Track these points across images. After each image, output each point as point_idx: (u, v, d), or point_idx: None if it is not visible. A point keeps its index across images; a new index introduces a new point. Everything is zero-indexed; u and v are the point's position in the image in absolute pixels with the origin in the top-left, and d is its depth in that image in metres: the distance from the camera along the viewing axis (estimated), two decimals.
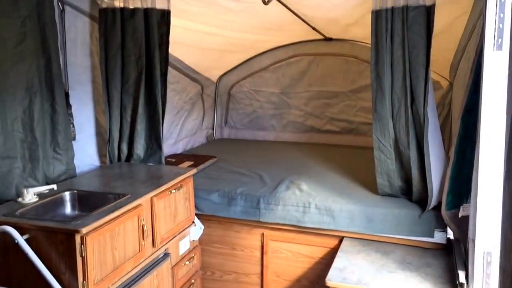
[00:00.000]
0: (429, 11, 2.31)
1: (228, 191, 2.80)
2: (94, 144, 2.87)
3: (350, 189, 2.76)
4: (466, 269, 1.96)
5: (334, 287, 2.10)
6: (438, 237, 2.36)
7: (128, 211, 2.10)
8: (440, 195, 2.32)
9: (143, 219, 2.22)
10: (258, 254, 2.79)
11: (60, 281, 1.83)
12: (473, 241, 1.79)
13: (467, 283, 1.88)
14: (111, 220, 1.97)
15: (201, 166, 3.32)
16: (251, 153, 3.88)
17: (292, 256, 2.70)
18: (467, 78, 2.13)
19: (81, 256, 1.82)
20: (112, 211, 2.00)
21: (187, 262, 2.72)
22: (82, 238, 1.81)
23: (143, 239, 2.23)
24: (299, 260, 2.68)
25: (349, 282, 2.08)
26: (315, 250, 2.64)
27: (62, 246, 1.83)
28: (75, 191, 2.26)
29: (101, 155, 2.91)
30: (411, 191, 2.49)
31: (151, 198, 2.30)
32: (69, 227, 1.82)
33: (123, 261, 2.08)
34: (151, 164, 2.90)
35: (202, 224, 2.79)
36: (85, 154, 2.77)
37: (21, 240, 1.80)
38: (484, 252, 1.73)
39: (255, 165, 3.36)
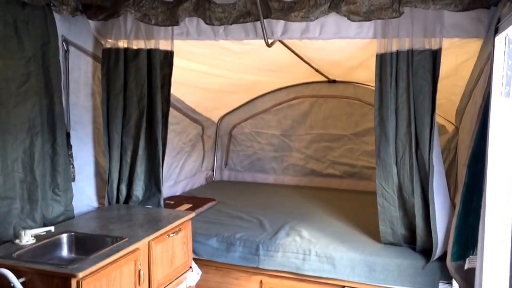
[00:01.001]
0: (435, 55, 2.35)
1: (227, 236, 2.85)
2: (93, 185, 2.95)
3: (351, 236, 2.81)
4: None
5: None
6: None
7: (125, 255, 2.15)
8: (446, 245, 2.36)
9: (139, 264, 2.27)
10: None
11: None
12: None
13: None
14: (107, 264, 2.03)
15: (200, 209, 3.39)
16: (250, 196, 3.95)
17: None
18: (474, 124, 2.16)
19: None
20: (109, 255, 2.05)
21: None
22: (78, 282, 1.86)
23: (139, 284, 2.27)
24: None
25: None
26: None
27: None
28: (72, 234, 2.33)
29: (99, 196, 2.98)
30: (415, 240, 2.53)
31: (149, 242, 2.35)
32: (66, 271, 1.87)
33: None
34: (149, 206, 2.97)
35: (200, 269, 2.82)
36: (84, 195, 2.85)
37: (17, 283, 1.85)
38: None
39: (254, 209, 3.43)
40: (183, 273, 2.70)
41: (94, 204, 2.97)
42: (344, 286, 2.58)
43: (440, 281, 2.37)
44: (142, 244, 2.29)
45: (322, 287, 2.64)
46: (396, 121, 2.49)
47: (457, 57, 2.59)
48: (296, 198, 3.86)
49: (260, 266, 2.72)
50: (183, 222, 2.67)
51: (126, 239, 2.26)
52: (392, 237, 2.60)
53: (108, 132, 2.87)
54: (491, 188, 1.76)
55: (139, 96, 2.86)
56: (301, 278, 2.67)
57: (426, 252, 2.47)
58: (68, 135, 2.64)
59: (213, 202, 3.63)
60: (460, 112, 3.12)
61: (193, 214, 2.80)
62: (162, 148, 2.92)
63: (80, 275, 1.86)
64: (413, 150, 2.45)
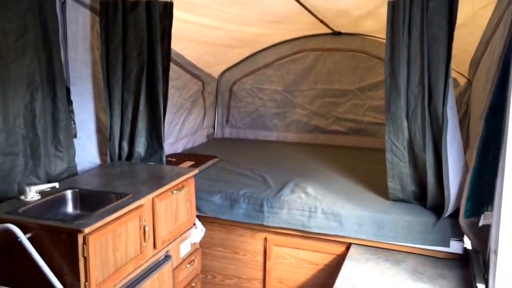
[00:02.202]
0: (452, 1, 2.29)
1: (231, 193, 2.91)
2: (94, 142, 2.97)
3: (358, 193, 2.86)
4: (485, 283, 2.00)
5: None
6: (454, 247, 2.42)
7: (130, 211, 2.20)
8: (457, 202, 2.39)
9: (144, 220, 2.33)
10: (260, 259, 2.90)
11: (62, 282, 1.94)
12: (495, 252, 1.87)
13: None
14: (113, 220, 2.07)
15: (203, 166, 3.43)
16: (253, 153, 3.99)
17: (296, 262, 2.80)
18: (492, 75, 2.12)
19: (83, 256, 1.92)
20: (114, 211, 2.10)
21: (188, 265, 2.83)
22: (84, 238, 1.91)
23: (144, 240, 2.33)
24: (303, 266, 2.79)
25: None
26: (320, 256, 2.74)
27: (64, 246, 1.93)
28: (76, 190, 2.37)
29: (101, 153, 3.01)
30: (425, 197, 2.57)
31: (153, 199, 2.40)
32: (72, 227, 1.92)
33: (125, 262, 2.18)
34: (152, 163, 3.01)
35: (204, 226, 2.90)
36: (86, 152, 2.87)
37: (24, 238, 1.90)
38: (506, 265, 1.81)
39: (257, 166, 3.47)
40: (187, 230, 2.77)
41: (96, 161, 3.00)
42: (351, 243, 2.65)
43: (451, 238, 2.41)
44: (146, 200, 2.33)
45: (328, 244, 2.71)
46: (408, 72, 2.46)
47: (474, 3, 2.51)
48: (300, 155, 3.90)
49: (265, 223, 2.79)
50: (186, 179, 2.71)
51: (130, 195, 2.30)
52: (402, 194, 2.64)
53: (108, 87, 2.86)
54: (511, 141, 1.76)
55: (139, 50, 2.83)
56: (307, 235, 2.74)
57: (437, 209, 2.51)
58: (68, 90, 2.63)
59: (215, 159, 3.67)
60: (475, 63, 3.06)
61: (196, 171, 2.83)
62: (163, 103, 2.92)
63: (86, 230, 1.90)
64: (426, 103, 2.44)
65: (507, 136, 1.77)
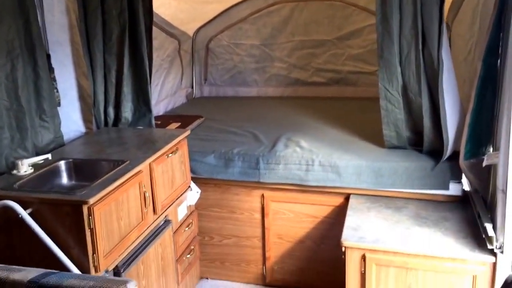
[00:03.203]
0: None
1: (225, 152, 2.85)
2: (78, 110, 2.83)
3: (352, 143, 2.86)
4: (492, 222, 2.04)
5: (351, 247, 2.18)
6: (454, 189, 2.47)
7: (131, 178, 2.13)
8: (455, 145, 2.42)
9: (144, 186, 2.26)
10: (258, 216, 2.90)
11: (68, 256, 1.87)
12: (503, 191, 1.90)
13: (496, 235, 1.98)
14: (115, 188, 2.00)
15: (190, 127, 3.34)
16: (237, 110, 3.92)
17: (295, 216, 2.82)
18: (483, 16, 2.08)
19: (90, 228, 1.86)
20: (115, 179, 2.02)
21: (187, 229, 2.81)
22: (89, 209, 1.84)
23: (145, 206, 2.27)
24: (302, 220, 2.81)
25: (366, 241, 2.17)
26: (318, 209, 2.76)
27: (68, 219, 1.86)
28: (70, 160, 2.26)
29: (85, 120, 2.87)
30: (420, 142, 2.59)
31: (150, 164, 2.32)
32: (76, 198, 1.84)
33: (128, 230, 2.13)
34: (140, 127, 2.90)
35: (199, 188, 2.86)
36: (70, 120, 2.74)
37: (25, 214, 1.81)
38: None
39: (245, 123, 3.42)
40: (183, 193, 2.72)
41: (81, 129, 2.87)
42: (350, 194, 2.67)
43: (451, 181, 2.46)
44: (144, 166, 2.26)
45: (326, 197, 2.72)
46: (400, 16, 2.41)
47: None
48: (284, 109, 3.86)
49: (262, 180, 2.77)
50: (179, 141, 2.64)
51: (128, 162, 2.21)
52: (397, 141, 2.65)
53: (89, 51, 2.69)
54: None
55: (119, 9, 2.66)
56: (304, 189, 2.74)
57: (433, 153, 2.54)
58: (48, 57, 2.46)
59: (201, 119, 3.58)
60: (455, 7, 3.05)
61: (188, 132, 2.76)
62: (148, 65, 2.79)
63: (91, 201, 1.83)
64: (420, 47, 2.41)
65: None
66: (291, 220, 2.83)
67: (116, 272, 2.06)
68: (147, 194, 2.27)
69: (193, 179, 2.85)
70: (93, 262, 1.89)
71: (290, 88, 4.42)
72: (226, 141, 3.03)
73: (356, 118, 3.44)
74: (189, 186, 2.80)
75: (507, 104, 1.85)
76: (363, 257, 2.16)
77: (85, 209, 1.83)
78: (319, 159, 2.66)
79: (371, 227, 2.29)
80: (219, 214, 2.98)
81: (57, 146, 2.49)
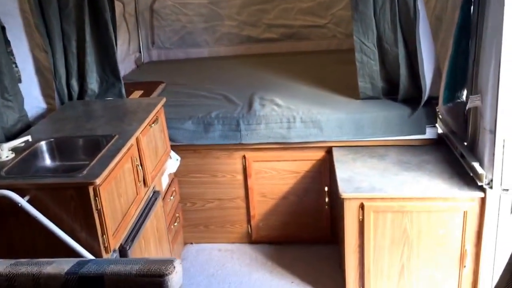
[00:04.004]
0: None
1: (202, 117, 2.76)
2: (36, 84, 2.57)
3: (325, 98, 2.88)
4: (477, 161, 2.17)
5: (349, 198, 2.23)
6: (430, 133, 2.59)
7: (126, 153, 2.00)
8: (431, 91, 2.51)
9: (136, 160, 2.14)
10: (240, 177, 2.87)
11: (76, 240, 1.75)
12: (491, 131, 2.02)
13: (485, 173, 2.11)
14: (115, 165, 1.87)
15: (155, 94, 3.18)
16: (196, 73, 3.78)
17: (277, 174, 2.83)
18: None
19: (97, 209, 1.74)
20: (113, 155, 1.89)
21: (172, 197, 2.73)
22: (95, 189, 1.71)
23: (138, 180, 2.17)
24: (285, 177, 2.82)
25: (364, 191, 2.23)
26: (300, 164, 2.78)
27: (73, 202, 1.72)
28: (52, 140, 2.07)
29: (45, 95, 2.62)
30: (394, 91, 2.66)
31: (138, 136, 2.19)
32: (80, 180, 1.70)
33: (128, 207, 2.03)
34: (110, 99, 2.71)
35: (178, 155, 2.77)
36: (31, 96, 2.49)
37: (24, 203, 1.65)
38: (503, 141, 1.98)
39: (211, 86, 3.31)
40: (165, 162, 2.63)
41: (42, 105, 2.62)
42: (331, 147, 2.72)
43: (427, 126, 2.58)
44: (134, 139, 2.13)
45: (308, 151, 2.75)
46: None
47: None
48: (244, 68, 3.78)
49: (243, 142, 2.73)
50: (158, 110, 2.51)
51: (116, 136, 2.07)
52: (372, 92, 2.71)
53: (44, 20, 2.43)
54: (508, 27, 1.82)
55: None
56: (286, 146, 2.75)
57: (408, 101, 2.63)
58: (3, 29, 2.17)
59: (163, 85, 3.41)
60: None
61: (164, 99, 2.62)
62: (113, 30, 2.57)
63: (98, 181, 1.70)
64: None
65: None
66: (274, 178, 2.85)
67: (122, 250, 1.96)
68: (139, 168, 2.16)
69: (171, 147, 2.74)
70: (103, 243, 1.79)
71: (242, 46, 4.32)
72: (199, 106, 2.92)
73: (319, 72, 3.47)
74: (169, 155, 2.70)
75: (495, 49, 1.95)
76: (361, 206, 2.24)
77: (91, 190, 1.70)
78: (300, 116, 2.66)
79: (363, 177, 2.36)
80: (200, 179, 2.92)
81: (24, 126, 2.27)
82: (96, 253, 1.78)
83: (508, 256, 1.45)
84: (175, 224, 2.77)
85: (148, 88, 3.28)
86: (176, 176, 2.86)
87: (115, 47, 2.63)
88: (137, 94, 3.18)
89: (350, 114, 2.63)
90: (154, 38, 4.37)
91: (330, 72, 3.45)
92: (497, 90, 1.95)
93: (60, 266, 1.31)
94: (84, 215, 1.73)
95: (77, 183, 1.69)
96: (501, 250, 2.22)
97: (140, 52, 4.34)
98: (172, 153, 2.73)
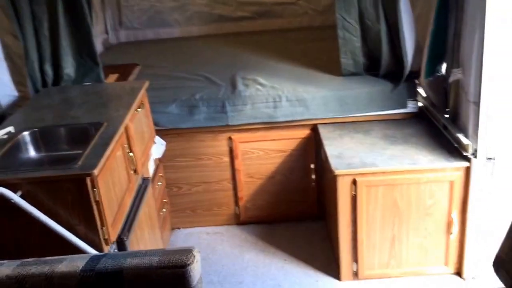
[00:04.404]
0: None
1: (187, 99, 2.69)
2: (6, 71, 2.40)
3: (307, 75, 2.86)
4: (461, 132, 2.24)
5: (342, 174, 2.24)
6: (411, 107, 2.64)
7: (118, 141, 1.92)
8: (412, 66, 2.54)
9: (126, 147, 2.07)
10: (227, 159, 2.83)
11: (75, 234, 1.68)
12: (475, 103, 2.08)
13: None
14: (110, 154, 1.79)
15: (132, 77, 3.07)
16: (169, 54, 3.66)
17: (264, 154, 2.80)
18: None
19: (95, 200, 1.66)
20: (106, 144, 1.80)
21: (159, 183, 2.66)
22: (93, 181, 1.64)
23: (130, 168, 2.10)
24: (271, 156, 2.81)
25: (356, 166, 2.24)
26: (286, 143, 2.77)
27: (70, 195, 1.63)
28: (36, 130, 1.95)
29: (16, 82, 2.46)
30: (375, 67, 2.68)
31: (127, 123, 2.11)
32: (78, 172, 1.61)
33: (122, 196, 1.96)
34: (88, 84, 2.58)
35: (164, 140, 2.70)
36: (1, 84, 2.33)
37: (18, 199, 1.55)
38: (487, 111, 2.05)
39: (189, 67, 3.22)
40: (151, 148, 2.55)
41: (14, 93, 2.47)
42: (316, 124, 2.72)
43: (408, 100, 2.63)
44: (124, 126, 2.05)
45: (294, 130, 2.73)
46: None
47: None
48: (219, 47, 3.69)
49: (230, 123, 2.68)
50: (143, 94, 2.42)
51: (105, 123, 1.98)
52: (354, 68, 2.71)
53: (11, 2, 2.26)
54: None
55: None
56: (272, 126, 2.72)
57: (389, 76, 2.66)
58: None
59: (138, 67, 3.29)
60: None
61: (147, 83, 2.52)
62: (89, 10, 2.43)
63: (96, 172, 1.62)
64: None
65: None
66: (261, 158, 2.83)
67: (120, 242, 1.90)
68: (131, 155, 2.09)
69: (156, 131, 2.66)
70: (103, 235, 1.72)
71: (214, 25, 4.21)
72: (181, 88, 2.84)
73: (296, 49, 3.44)
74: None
75: (478, 22, 1.98)
76: (354, 182, 2.26)
77: (89, 181, 1.63)
78: (286, 95, 2.64)
79: (352, 152, 2.38)
80: (186, 163, 2.86)
81: None
82: (96, 246, 1.71)
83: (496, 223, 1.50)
84: (164, 210, 2.71)
85: (123, 71, 3.15)
86: (161, 162, 2.79)
87: (91, 28, 2.49)
88: (112, 78, 3.04)
89: (334, 91, 2.63)
90: (121, 18, 4.18)
91: (307, 49, 3.43)
92: (481, 62, 2.00)
93: (73, 263, 1.24)
94: (83, 208, 1.65)
95: (74, 175, 1.61)
96: (485, 216, 2.32)
97: (107, 33, 4.16)
98: (157, 138, 2.66)
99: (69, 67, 2.52)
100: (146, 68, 3.29)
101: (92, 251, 1.67)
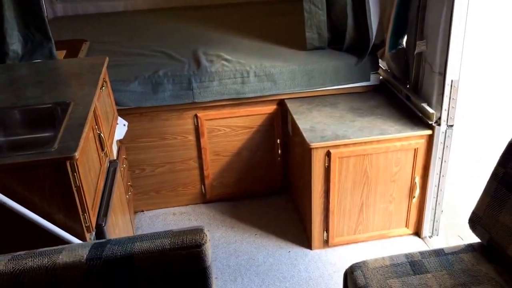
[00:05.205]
0: None
1: (149, 76, 2.54)
2: None
3: (271, 50, 2.81)
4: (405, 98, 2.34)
5: (317, 147, 2.25)
6: (373, 79, 2.69)
7: (90, 121, 1.78)
8: (375, 39, 2.59)
9: (96, 128, 1.93)
10: (192, 138, 2.74)
11: (54, 223, 1.55)
12: (440, 73, 2.16)
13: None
14: (85, 135, 1.66)
15: (82, 54, 2.85)
16: (117, 29, 3.43)
17: (231, 130, 2.75)
18: None
19: (76, 185, 1.54)
20: (82, 124, 1.66)
21: (124, 166, 2.53)
22: (72, 164, 1.51)
23: (101, 150, 1.97)
24: (238, 132, 2.75)
25: (329, 138, 2.25)
26: (253, 119, 2.73)
27: (48, 181, 1.49)
28: None
29: None
30: (338, 41, 2.70)
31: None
32: (56, 156, 1.47)
33: (96, 180, 1.83)
34: (39, 60, 2.36)
35: (126, 120, 2.55)
36: None
37: None
38: (451, 81, 2.15)
39: (145, 43, 3.04)
40: (115, 129, 2.41)
41: None
42: (283, 99, 2.69)
43: (371, 73, 2.68)
44: (93, 105, 1.90)
45: (261, 105, 2.69)
46: None
47: None
48: (170, 22, 3.52)
49: (196, 100, 2.59)
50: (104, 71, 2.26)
51: (72, 103, 1.83)
52: (319, 42, 2.71)
53: None
54: None
55: None
56: (239, 102, 2.66)
57: (352, 50, 2.69)
58: None
59: (87, 43, 3.06)
60: None
61: (107, 59, 2.36)
62: None
63: (76, 154, 1.49)
64: None
65: None
66: (228, 135, 2.77)
67: (98, 227, 1.78)
68: (102, 136, 1.95)
69: (118, 111, 2.51)
70: (85, 222, 1.61)
71: None
72: (142, 65, 2.68)
73: (253, 24, 3.37)
74: None
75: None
76: (327, 154, 2.29)
77: (69, 165, 1.50)
78: (254, 70, 2.58)
79: (324, 125, 2.39)
80: (149, 144, 2.73)
81: None
82: (78, 235, 1.59)
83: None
84: (129, 193, 2.59)
85: (71, 48, 2.92)
86: (123, 143, 2.65)
87: None
88: (60, 54, 2.80)
89: (301, 65, 2.62)
90: None
91: (264, 24, 3.38)
92: (449, 35, 2.08)
93: (75, 253, 1.15)
94: (62, 194, 1.52)
95: (53, 159, 1.47)
96: (445, 179, 2.46)
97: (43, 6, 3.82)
98: (119, 119, 2.51)
99: (15, 43, 2.29)
100: (96, 44, 3.07)
101: (76, 241, 1.55)
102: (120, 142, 2.60)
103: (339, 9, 2.61)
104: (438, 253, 1.66)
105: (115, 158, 2.38)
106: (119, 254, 1.14)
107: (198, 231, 1.20)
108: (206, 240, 1.17)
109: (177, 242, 1.16)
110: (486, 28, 2.08)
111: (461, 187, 2.60)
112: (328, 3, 2.63)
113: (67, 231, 1.57)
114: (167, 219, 2.86)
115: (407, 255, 1.66)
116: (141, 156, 2.76)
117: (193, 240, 1.16)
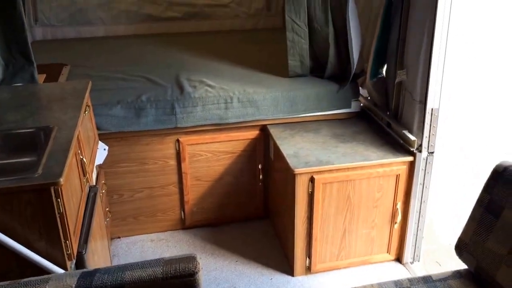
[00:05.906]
0: None
1: (132, 101, 2.52)
2: None
3: (253, 77, 2.83)
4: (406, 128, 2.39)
5: (301, 173, 2.25)
6: (354, 106, 2.74)
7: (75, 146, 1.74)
8: (356, 68, 2.64)
9: (79, 153, 1.88)
10: (173, 162, 2.71)
11: (35, 251, 1.48)
12: (421, 101, 2.23)
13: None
14: (70, 161, 1.61)
15: (62, 78, 2.80)
16: (96, 54, 3.40)
17: (212, 156, 2.73)
18: None
19: (59, 212, 1.49)
20: (66, 149, 1.62)
21: (103, 191, 2.47)
22: (56, 190, 1.46)
23: (83, 175, 1.91)
24: (220, 158, 2.74)
25: (313, 164, 2.26)
26: (235, 144, 2.72)
27: (30, 208, 1.43)
28: None
29: None
30: (320, 69, 2.75)
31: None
32: (40, 181, 1.42)
33: (77, 206, 1.78)
34: (19, 84, 2.30)
35: (106, 144, 2.50)
36: None
37: None
38: (431, 109, 2.21)
39: (126, 68, 3.01)
40: (96, 153, 2.36)
41: None
42: (265, 125, 2.71)
43: (352, 100, 2.73)
44: (76, 130, 1.85)
45: (243, 131, 2.70)
46: None
47: None
48: (151, 48, 3.52)
49: (179, 125, 2.56)
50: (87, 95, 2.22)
51: (56, 127, 1.78)
52: (301, 70, 2.75)
53: None
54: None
55: None
56: (222, 127, 2.66)
57: (334, 78, 2.75)
58: None
59: (68, 67, 3.02)
60: None
61: (90, 83, 2.32)
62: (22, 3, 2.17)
63: (62, 180, 1.45)
64: None
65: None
66: (209, 160, 2.75)
67: (78, 255, 1.72)
68: (84, 160, 1.90)
69: (99, 136, 2.46)
70: (67, 250, 1.55)
71: (142, 25, 4.02)
72: (124, 89, 2.65)
73: (233, 51, 3.40)
74: None
75: (427, 28, 2.12)
76: (311, 179, 2.30)
77: (53, 191, 1.45)
78: (237, 96, 2.60)
79: (307, 151, 2.41)
80: (128, 169, 2.68)
81: None
82: (59, 263, 1.52)
83: (469, 209, 1.64)
84: (107, 219, 2.52)
85: (51, 72, 2.86)
86: (101, 168, 2.59)
87: (24, 19, 2.22)
88: (40, 78, 2.74)
89: (284, 92, 2.65)
90: (37, 14, 3.82)
91: (244, 51, 3.42)
92: (429, 65, 2.15)
93: (62, 282, 1.10)
94: (44, 221, 1.46)
95: (37, 184, 1.42)
96: (426, 205, 2.49)
97: None
98: (100, 143, 2.46)
99: None
100: (77, 68, 3.03)
101: (58, 270, 1.49)
102: (99, 167, 2.54)
103: (321, 39, 2.67)
104: (426, 280, 1.66)
105: (94, 183, 2.32)
106: (109, 283, 1.09)
107: (191, 259, 1.17)
108: (199, 268, 1.14)
109: (170, 271, 1.12)
110: (465, 57, 2.17)
111: (438, 213, 2.65)
112: (310, 32, 2.68)
113: (47, 260, 1.50)
114: (145, 246, 2.79)
115: (395, 282, 1.66)
116: (120, 181, 2.70)
117: (186, 269, 1.13)
